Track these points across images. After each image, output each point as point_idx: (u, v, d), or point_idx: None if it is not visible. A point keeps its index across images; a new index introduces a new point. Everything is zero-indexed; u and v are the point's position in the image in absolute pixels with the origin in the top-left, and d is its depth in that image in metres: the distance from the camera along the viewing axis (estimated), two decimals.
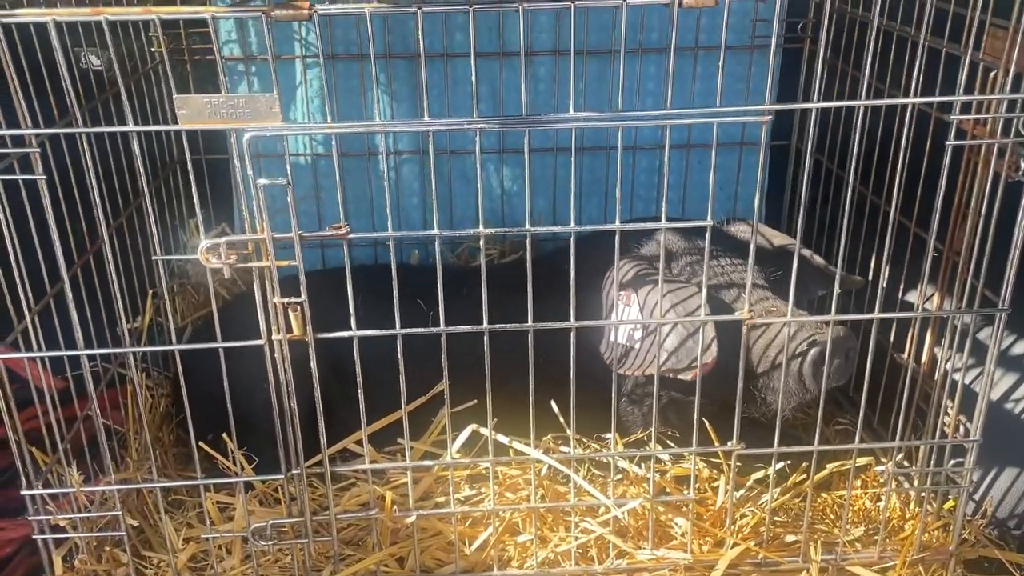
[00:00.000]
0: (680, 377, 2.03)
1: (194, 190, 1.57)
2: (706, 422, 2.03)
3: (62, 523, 1.84)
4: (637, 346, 2.05)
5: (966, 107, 1.67)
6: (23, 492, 1.77)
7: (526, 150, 1.55)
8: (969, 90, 1.76)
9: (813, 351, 1.95)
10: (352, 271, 1.65)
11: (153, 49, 2.63)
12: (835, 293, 1.74)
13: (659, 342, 1.91)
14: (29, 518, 1.80)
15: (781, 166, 2.93)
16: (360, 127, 1.56)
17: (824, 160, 2.67)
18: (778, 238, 2.33)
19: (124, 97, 1.52)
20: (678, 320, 2.01)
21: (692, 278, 2.16)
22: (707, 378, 1.88)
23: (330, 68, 2.66)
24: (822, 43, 1.66)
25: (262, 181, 1.51)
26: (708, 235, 1.66)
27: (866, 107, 1.62)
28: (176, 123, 1.49)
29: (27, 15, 1.44)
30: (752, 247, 1.67)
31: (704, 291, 1.73)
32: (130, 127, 1.51)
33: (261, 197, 1.53)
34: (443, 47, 2.65)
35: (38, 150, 1.54)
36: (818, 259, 2.31)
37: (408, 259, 2.93)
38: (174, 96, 1.47)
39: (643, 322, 2.02)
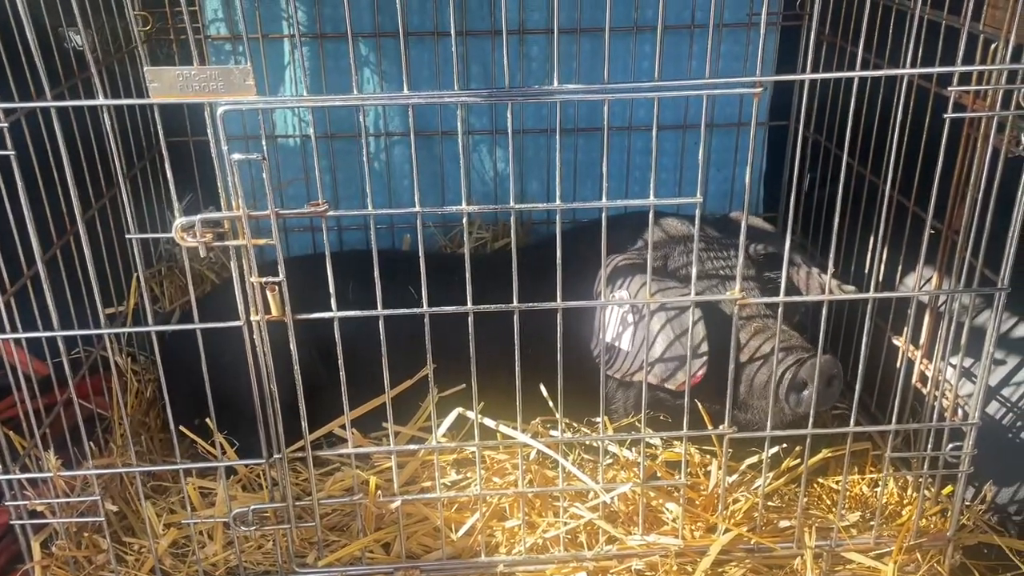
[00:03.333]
0: (667, 386, 1.98)
1: (167, 166, 1.53)
2: (699, 403, 1.99)
3: (40, 509, 1.80)
4: (626, 348, 2.00)
5: (965, 79, 1.61)
6: None
7: (509, 122, 1.51)
8: (968, 62, 1.70)
9: (790, 377, 1.90)
10: (342, 256, 1.61)
11: (137, 28, 2.58)
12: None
13: (647, 347, 1.83)
14: (6, 503, 1.77)
15: (780, 147, 2.88)
16: (338, 100, 1.51)
17: (823, 141, 2.62)
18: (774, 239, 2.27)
19: (93, 72, 1.48)
20: (666, 301, 1.96)
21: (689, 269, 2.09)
22: (695, 386, 1.83)
23: (318, 47, 2.61)
24: (816, 13, 1.62)
25: (236, 156, 1.47)
26: (699, 212, 1.61)
27: (862, 80, 1.57)
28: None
29: None
30: (743, 226, 1.63)
31: (695, 270, 1.69)
32: (100, 101, 1.47)
33: (236, 173, 1.49)
34: (434, 25, 2.60)
35: (6, 125, 1.50)
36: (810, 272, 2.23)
37: (400, 244, 2.89)
38: (145, 69, 1.43)
39: (630, 302, 1.97)
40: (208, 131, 1.49)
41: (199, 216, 1.51)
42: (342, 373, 1.68)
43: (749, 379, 2.01)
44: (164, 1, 2.62)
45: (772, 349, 1.91)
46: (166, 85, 1.44)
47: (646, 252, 2.10)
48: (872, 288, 1.75)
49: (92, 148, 2.09)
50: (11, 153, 1.52)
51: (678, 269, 2.14)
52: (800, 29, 2.73)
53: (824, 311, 1.71)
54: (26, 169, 1.59)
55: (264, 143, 1.52)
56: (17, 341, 1.78)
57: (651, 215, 1.66)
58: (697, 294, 1.73)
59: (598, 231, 1.65)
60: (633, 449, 2.06)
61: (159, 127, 1.53)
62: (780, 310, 1.72)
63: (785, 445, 2.04)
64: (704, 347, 1.93)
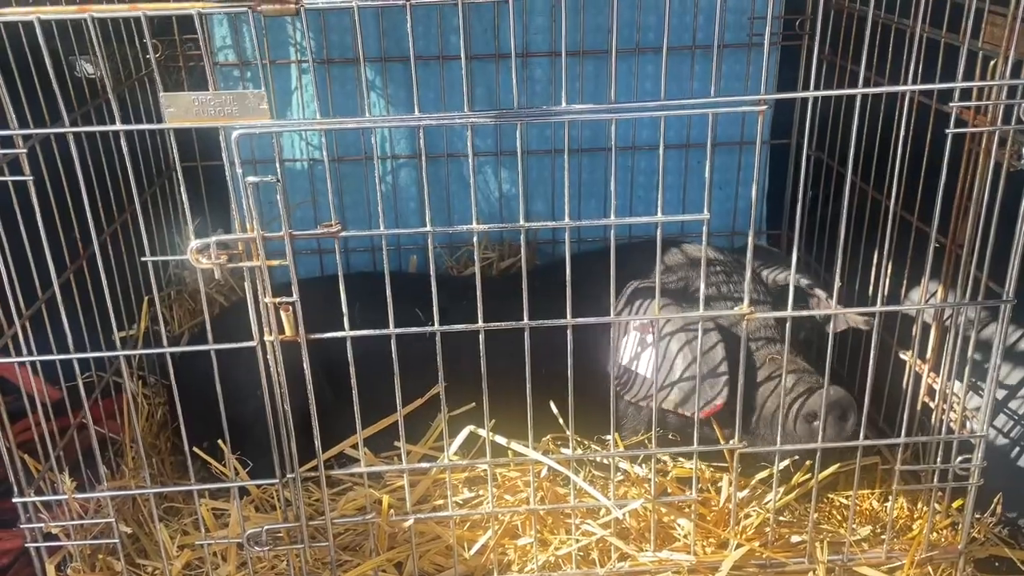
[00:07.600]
0: (684, 413, 1.99)
1: (183, 190, 1.55)
2: (715, 423, 2.00)
3: (55, 531, 1.81)
4: (643, 372, 2.01)
5: (965, 95, 1.64)
6: (15, 500, 1.75)
7: (518, 142, 1.53)
8: (968, 79, 1.74)
9: (798, 407, 1.95)
10: (350, 278, 1.63)
11: (148, 56, 2.61)
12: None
13: (661, 371, 1.84)
14: (21, 526, 1.78)
15: (782, 165, 2.91)
16: (351, 123, 1.54)
17: (825, 158, 2.65)
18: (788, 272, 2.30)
19: (111, 96, 1.51)
20: (675, 316, 1.98)
21: (710, 299, 2.12)
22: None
23: (325, 72, 2.65)
24: (817, 32, 1.64)
25: (251, 179, 1.49)
26: (705, 228, 1.63)
27: (864, 97, 1.59)
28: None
29: (12, 14, 1.42)
30: (750, 241, 1.65)
31: (703, 286, 1.70)
32: (116, 126, 1.49)
33: (251, 196, 1.51)
34: (439, 50, 2.64)
35: (24, 151, 1.52)
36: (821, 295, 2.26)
37: (406, 267, 2.91)
38: (160, 94, 1.45)
39: (640, 319, 1.98)
40: (223, 155, 1.51)
41: (214, 238, 1.53)
42: (355, 393, 1.69)
43: (760, 407, 2.03)
44: (173, 29, 2.66)
45: (778, 386, 1.94)
46: (182, 110, 1.47)
47: (665, 276, 2.14)
48: (878, 303, 1.76)
49: (104, 174, 2.12)
50: (29, 178, 1.54)
51: (696, 292, 2.15)
52: (799, 49, 2.77)
53: (831, 327, 1.73)
54: (39, 195, 1.61)
55: (278, 165, 1.54)
56: (31, 365, 1.79)
57: (659, 231, 1.67)
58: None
59: (608, 261, 1.66)
60: (644, 466, 2.07)
61: (175, 151, 1.55)
62: (788, 324, 1.74)
63: (797, 457, 2.05)
64: (724, 370, 1.95)
